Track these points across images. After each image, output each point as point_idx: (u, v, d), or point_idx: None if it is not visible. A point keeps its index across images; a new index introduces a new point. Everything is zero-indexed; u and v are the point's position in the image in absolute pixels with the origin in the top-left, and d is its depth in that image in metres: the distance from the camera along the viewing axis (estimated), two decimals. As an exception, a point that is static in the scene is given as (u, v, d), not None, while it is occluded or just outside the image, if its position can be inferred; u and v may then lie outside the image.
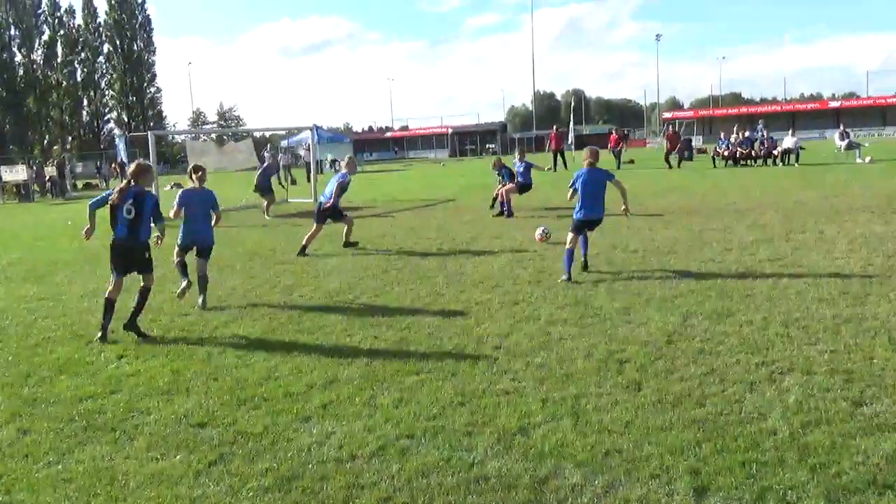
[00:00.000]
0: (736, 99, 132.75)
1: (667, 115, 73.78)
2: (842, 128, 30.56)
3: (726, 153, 28.55)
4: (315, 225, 11.58)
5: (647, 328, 6.27)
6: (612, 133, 34.50)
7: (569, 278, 8.27)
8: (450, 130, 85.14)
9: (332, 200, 11.45)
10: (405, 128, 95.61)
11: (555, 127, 33.90)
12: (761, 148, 28.96)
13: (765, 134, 30.53)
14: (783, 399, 4.56)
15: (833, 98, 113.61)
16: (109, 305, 6.77)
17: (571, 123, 38.84)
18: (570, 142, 35.78)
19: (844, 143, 28.92)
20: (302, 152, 40.26)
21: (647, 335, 6.07)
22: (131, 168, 7.04)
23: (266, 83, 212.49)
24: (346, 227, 11.79)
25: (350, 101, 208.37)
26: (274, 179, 19.10)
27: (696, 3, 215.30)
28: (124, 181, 7.02)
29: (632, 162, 32.37)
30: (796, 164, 27.37)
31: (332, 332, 6.72)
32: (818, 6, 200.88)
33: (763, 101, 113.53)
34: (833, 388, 4.68)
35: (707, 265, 8.86)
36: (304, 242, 11.40)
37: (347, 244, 11.73)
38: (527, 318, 6.87)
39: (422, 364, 5.61)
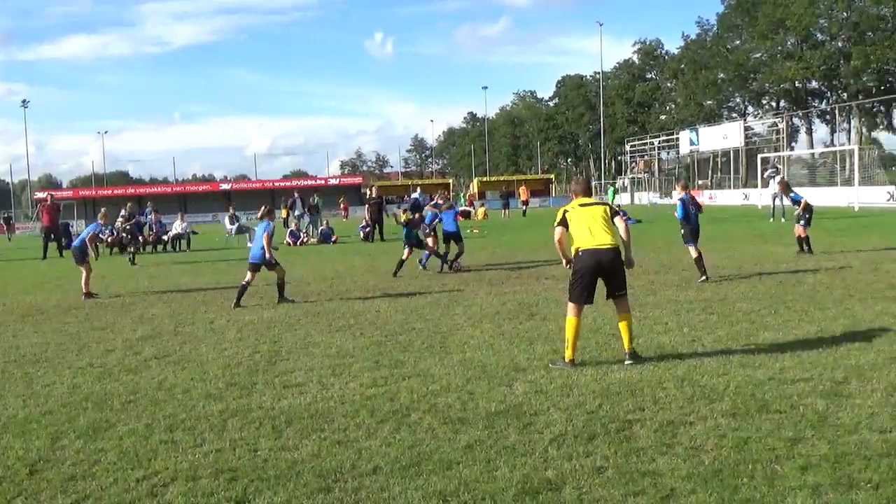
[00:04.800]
0: (124, 178, 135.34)
1: (40, 194, 69.83)
2: (231, 211, 33.31)
3: (110, 240, 28.12)
4: None
5: (5, 460, 5.66)
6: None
7: None
8: None
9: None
10: None
11: None
12: (150, 233, 29.84)
13: (153, 218, 31.30)
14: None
15: (225, 180, 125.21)
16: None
17: None
18: None
19: (234, 227, 31.79)
20: None
21: (4, 470, 5.46)
22: None
23: None
24: None
25: None
26: None
27: (62, 67, 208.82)
28: None
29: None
30: (188, 250, 28.98)
31: None
32: (208, 88, 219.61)
33: (154, 182, 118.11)
34: (217, 491, 4.90)
35: (86, 371, 8.51)
36: None
37: None
38: None
39: None
